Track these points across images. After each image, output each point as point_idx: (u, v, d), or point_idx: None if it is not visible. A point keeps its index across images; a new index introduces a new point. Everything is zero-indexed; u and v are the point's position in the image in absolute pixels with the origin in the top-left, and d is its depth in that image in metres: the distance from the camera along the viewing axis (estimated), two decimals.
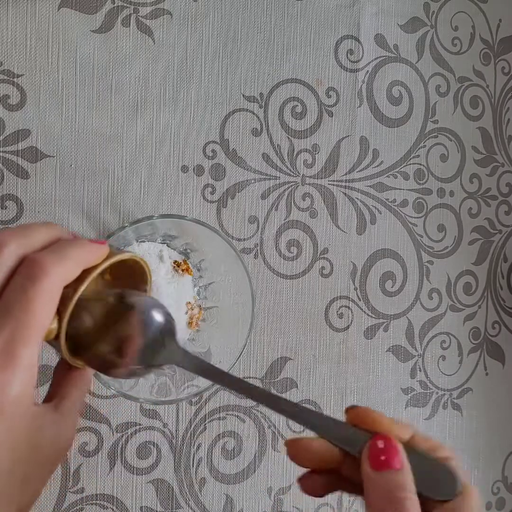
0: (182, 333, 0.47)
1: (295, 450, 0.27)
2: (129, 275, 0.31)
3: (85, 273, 0.26)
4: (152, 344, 0.28)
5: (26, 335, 0.23)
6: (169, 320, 0.29)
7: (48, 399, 0.28)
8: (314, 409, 0.27)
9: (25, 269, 0.24)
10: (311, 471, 0.27)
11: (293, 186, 0.53)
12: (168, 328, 0.29)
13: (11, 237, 0.25)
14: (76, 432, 0.29)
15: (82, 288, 0.26)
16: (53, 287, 0.24)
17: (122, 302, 0.29)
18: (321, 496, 0.27)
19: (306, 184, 0.54)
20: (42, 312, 0.24)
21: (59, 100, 0.47)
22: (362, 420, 0.26)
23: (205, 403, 0.51)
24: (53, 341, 0.27)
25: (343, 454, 0.26)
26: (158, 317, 0.29)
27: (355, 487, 0.26)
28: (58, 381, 0.29)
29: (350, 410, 0.27)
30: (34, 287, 0.23)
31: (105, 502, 0.48)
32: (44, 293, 0.24)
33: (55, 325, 0.26)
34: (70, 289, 0.26)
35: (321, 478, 0.27)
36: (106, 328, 0.28)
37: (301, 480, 0.28)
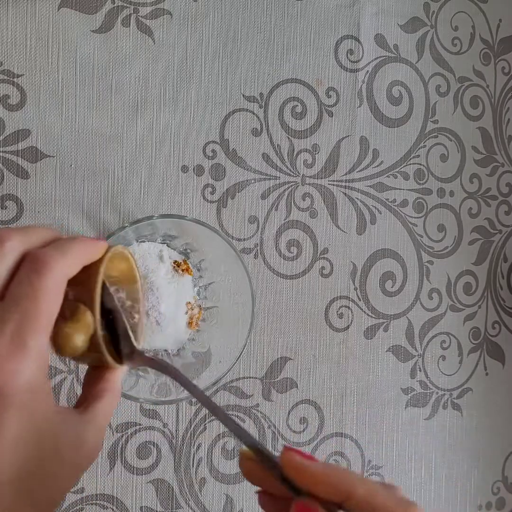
0: (182, 333, 0.47)
1: (245, 469, 0.27)
2: (125, 276, 0.32)
3: (88, 269, 0.27)
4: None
5: (34, 324, 0.23)
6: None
7: (77, 404, 0.28)
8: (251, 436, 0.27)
9: (29, 263, 0.24)
10: (263, 491, 0.27)
11: (293, 186, 0.53)
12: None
13: (12, 233, 0.25)
14: (102, 444, 0.29)
15: (102, 272, 0.27)
16: (57, 280, 0.24)
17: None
18: None
19: (306, 184, 0.54)
20: (49, 302, 0.24)
21: (59, 100, 0.47)
22: (289, 466, 0.25)
23: None
24: (86, 352, 0.27)
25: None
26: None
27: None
28: (88, 387, 0.29)
29: (285, 453, 0.25)
30: (39, 278, 0.24)
31: (105, 502, 0.48)
32: (50, 284, 0.24)
33: (90, 319, 0.26)
34: (84, 285, 0.26)
35: (272, 500, 0.27)
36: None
37: (258, 495, 0.28)
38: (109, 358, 0.28)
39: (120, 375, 0.30)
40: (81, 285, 0.26)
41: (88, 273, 0.27)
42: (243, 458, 0.27)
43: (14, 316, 0.23)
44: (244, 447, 0.26)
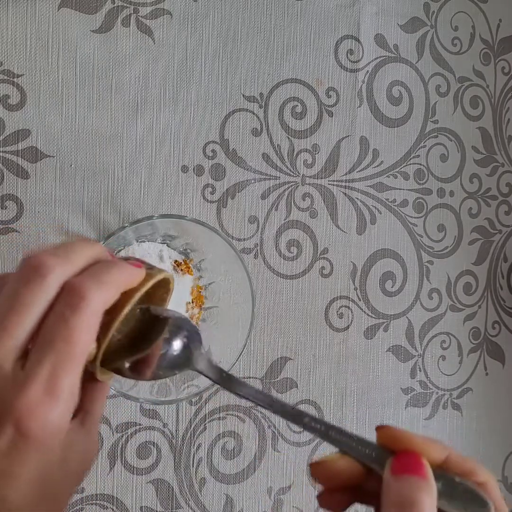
0: None
1: (319, 473, 0.27)
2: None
3: (123, 296, 0.26)
4: (180, 353, 0.29)
5: (68, 366, 0.23)
6: (195, 330, 0.30)
7: (75, 412, 0.28)
8: (339, 426, 0.27)
9: (66, 297, 0.24)
10: (330, 489, 0.27)
11: (293, 186, 0.53)
12: (194, 338, 0.30)
13: (56, 263, 0.24)
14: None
15: (123, 315, 0.26)
16: (93, 315, 0.24)
17: (151, 315, 0.29)
18: (342, 511, 0.27)
19: (306, 184, 0.54)
20: (83, 342, 0.24)
21: (59, 100, 0.47)
22: (392, 440, 0.26)
23: (205, 403, 0.51)
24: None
25: (367, 471, 0.26)
26: (185, 327, 0.30)
27: (378, 500, 0.25)
28: (81, 396, 0.28)
29: (380, 429, 0.26)
30: (74, 316, 0.23)
31: (105, 502, 0.48)
32: (84, 322, 0.24)
33: (93, 351, 0.26)
34: (108, 314, 0.26)
35: (342, 495, 0.27)
36: (135, 339, 0.28)
37: (321, 497, 0.27)
38: (101, 379, 0.28)
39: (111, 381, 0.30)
40: (106, 312, 0.26)
41: (116, 302, 0.26)
42: (323, 460, 0.27)
43: (48, 358, 0.23)
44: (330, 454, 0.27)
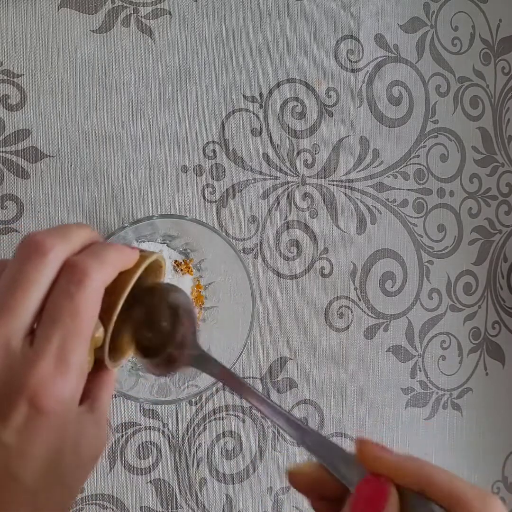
0: None
1: (296, 484, 0.26)
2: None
3: (121, 276, 0.27)
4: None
5: (76, 341, 0.23)
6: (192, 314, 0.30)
7: (82, 398, 0.28)
8: (318, 432, 0.26)
9: (69, 274, 0.24)
10: (314, 498, 0.26)
11: (293, 186, 0.53)
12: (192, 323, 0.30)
13: (55, 241, 0.25)
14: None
15: (125, 296, 0.26)
16: (96, 291, 0.24)
17: (163, 300, 0.30)
18: None
19: (306, 184, 0.54)
20: (89, 317, 0.24)
21: (59, 100, 0.47)
22: (367, 458, 0.24)
23: (205, 403, 0.51)
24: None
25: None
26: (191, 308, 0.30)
27: None
28: (89, 383, 0.29)
29: (358, 443, 0.24)
30: (79, 292, 0.24)
31: (105, 502, 0.48)
32: (89, 298, 0.24)
33: (100, 334, 0.26)
34: (110, 296, 0.26)
35: (329, 504, 0.25)
36: (148, 324, 0.29)
37: (313, 506, 0.27)
38: (109, 365, 0.28)
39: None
40: (107, 295, 0.26)
41: (115, 284, 0.26)
42: (297, 470, 0.26)
43: (56, 333, 0.23)
44: (295, 464, 0.26)
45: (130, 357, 0.31)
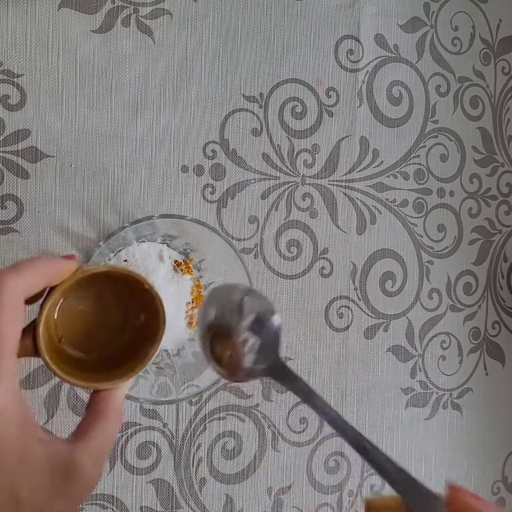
0: (182, 333, 0.47)
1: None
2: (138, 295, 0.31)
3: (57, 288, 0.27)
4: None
5: None
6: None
7: (76, 429, 0.27)
8: (401, 466, 0.24)
9: None
10: None
11: (293, 186, 0.53)
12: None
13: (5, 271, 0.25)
14: (100, 475, 0.27)
15: (48, 305, 0.27)
16: (11, 296, 0.24)
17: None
18: None
19: (306, 184, 0.54)
20: (4, 319, 0.24)
21: (59, 100, 0.47)
22: (460, 506, 0.23)
23: (205, 403, 0.51)
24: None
25: None
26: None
27: None
28: (84, 417, 0.28)
29: (451, 489, 0.23)
30: None
31: (105, 502, 0.48)
32: (3, 302, 0.24)
33: (29, 343, 0.26)
34: (43, 306, 0.27)
35: None
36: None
37: None
38: (57, 373, 0.27)
39: (118, 395, 0.28)
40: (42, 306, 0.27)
41: (49, 295, 0.27)
42: (379, 502, 0.25)
43: None
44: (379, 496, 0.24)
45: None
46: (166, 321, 0.30)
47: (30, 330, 0.27)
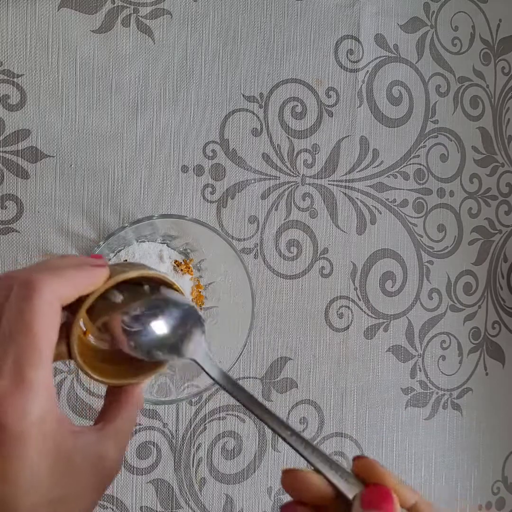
0: None
1: (290, 481, 0.27)
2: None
3: (87, 297, 0.26)
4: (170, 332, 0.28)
5: (31, 357, 0.23)
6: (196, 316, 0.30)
7: (98, 419, 0.28)
8: (318, 447, 0.27)
9: (18, 288, 0.24)
10: (296, 501, 0.27)
11: (293, 186, 0.53)
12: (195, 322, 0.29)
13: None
14: (122, 461, 0.28)
15: (83, 310, 0.26)
16: (47, 303, 0.24)
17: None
18: None
19: (306, 184, 0.54)
20: (42, 331, 0.23)
21: (59, 100, 0.47)
22: (367, 473, 0.26)
23: (205, 403, 0.51)
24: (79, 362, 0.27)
25: (336, 495, 0.26)
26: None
27: None
28: (106, 404, 0.28)
29: (356, 459, 0.26)
30: (28, 306, 0.23)
31: (105, 502, 0.48)
32: (40, 311, 0.23)
33: (64, 349, 0.26)
34: (74, 315, 0.26)
35: (306, 510, 0.27)
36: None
37: (285, 508, 0.28)
38: (92, 377, 0.27)
39: (140, 387, 0.29)
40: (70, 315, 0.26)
41: (78, 303, 0.26)
42: (294, 470, 0.27)
43: (10, 351, 0.23)
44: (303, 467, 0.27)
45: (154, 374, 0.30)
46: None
47: (63, 333, 0.26)
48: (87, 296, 0.26)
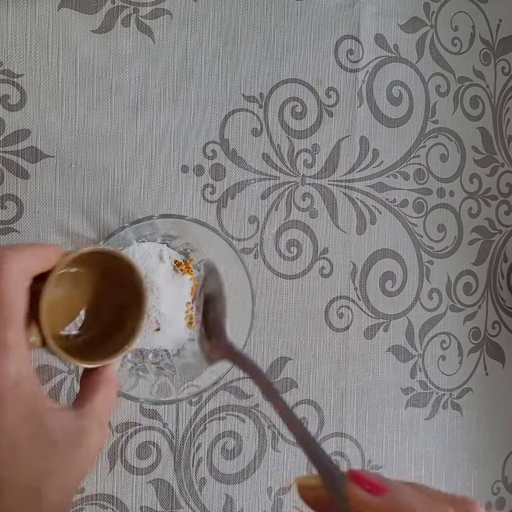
0: (182, 333, 0.47)
1: (299, 493, 0.26)
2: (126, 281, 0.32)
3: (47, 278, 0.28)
4: None
5: (6, 319, 0.24)
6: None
7: (75, 402, 0.28)
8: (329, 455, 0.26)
9: None
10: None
11: (293, 186, 0.53)
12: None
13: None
14: (105, 439, 0.29)
15: (48, 287, 0.27)
16: (14, 272, 0.25)
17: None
18: None
19: (306, 184, 0.54)
20: (11, 294, 0.25)
21: (59, 100, 0.47)
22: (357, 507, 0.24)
23: (205, 403, 0.51)
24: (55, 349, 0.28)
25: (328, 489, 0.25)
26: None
27: None
28: (83, 382, 0.30)
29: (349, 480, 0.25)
30: None
31: (105, 502, 0.48)
32: (7, 278, 0.25)
33: (36, 337, 0.27)
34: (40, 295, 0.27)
35: None
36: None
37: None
38: (67, 359, 0.29)
39: (113, 367, 0.30)
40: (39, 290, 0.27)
41: (45, 281, 0.27)
42: (306, 487, 0.26)
43: None
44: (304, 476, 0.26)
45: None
46: (147, 296, 0.32)
47: (31, 321, 0.27)
48: (48, 277, 0.28)
